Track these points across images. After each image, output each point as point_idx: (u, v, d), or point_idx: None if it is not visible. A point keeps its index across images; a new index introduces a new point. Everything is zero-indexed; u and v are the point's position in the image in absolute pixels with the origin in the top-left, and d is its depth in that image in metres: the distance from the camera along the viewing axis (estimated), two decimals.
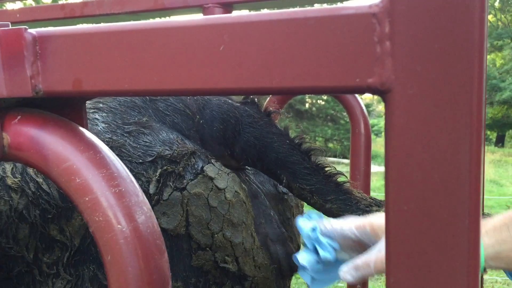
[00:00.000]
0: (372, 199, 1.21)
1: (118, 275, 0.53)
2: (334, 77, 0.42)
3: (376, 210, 1.16)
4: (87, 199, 0.54)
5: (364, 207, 1.17)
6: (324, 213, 1.21)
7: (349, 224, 1.05)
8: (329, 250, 1.03)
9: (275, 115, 1.32)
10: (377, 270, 0.98)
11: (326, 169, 1.23)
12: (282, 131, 1.25)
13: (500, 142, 25.99)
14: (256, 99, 1.31)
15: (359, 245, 1.05)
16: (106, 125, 1.07)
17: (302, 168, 1.21)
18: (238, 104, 1.28)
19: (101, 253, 0.54)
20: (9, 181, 0.96)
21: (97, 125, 1.06)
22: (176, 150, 1.08)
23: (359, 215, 1.16)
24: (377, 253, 0.98)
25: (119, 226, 0.54)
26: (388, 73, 0.41)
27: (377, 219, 1.02)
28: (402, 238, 0.42)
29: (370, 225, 1.03)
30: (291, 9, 0.44)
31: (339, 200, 1.19)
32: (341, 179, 1.24)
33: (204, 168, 1.10)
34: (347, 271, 1.03)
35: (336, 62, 0.42)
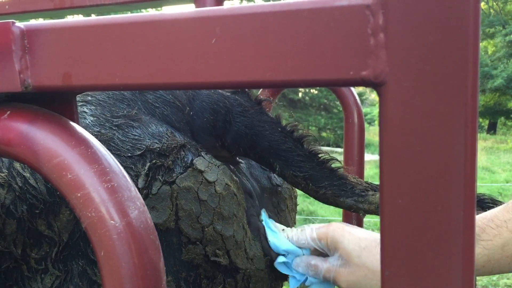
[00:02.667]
0: (367, 183, 1.21)
1: (111, 271, 0.53)
2: (327, 70, 0.42)
3: (372, 195, 1.16)
4: (79, 194, 0.54)
5: (359, 192, 1.17)
6: (319, 199, 1.22)
7: (307, 234, 1.08)
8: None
9: (266, 103, 1.31)
10: (324, 278, 1.04)
11: (320, 155, 1.22)
12: (273, 119, 1.24)
13: (492, 129, 26.17)
14: (246, 88, 1.30)
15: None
16: (95, 119, 1.05)
17: (295, 155, 1.20)
18: (228, 94, 1.27)
19: (94, 249, 0.54)
20: None
21: (85, 118, 1.04)
22: (165, 143, 1.07)
23: (354, 200, 1.16)
24: (328, 264, 1.03)
25: (112, 221, 0.53)
26: (382, 65, 0.40)
27: (335, 234, 1.06)
28: (397, 231, 0.42)
29: (326, 238, 1.07)
30: (284, 1, 0.44)
31: (333, 186, 1.18)
32: (335, 165, 1.23)
33: (194, 161, 1.09)
34: (299, 264, 1.09)
35: (329, 55, 0.42)
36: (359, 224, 1.84)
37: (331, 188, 1.18)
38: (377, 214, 1.16)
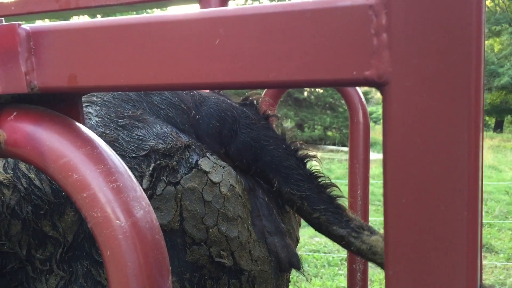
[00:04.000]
0: (365, 223, 1.17)
1: (117, 271, 0.53)
2: (330, 70, 0.42)
3: (367, 235, 1.12)
4: (85, 195, 0.54)
5: (355, 227, 1.13)
6: (311, 224, 1.19)
7: None
8: None
9: (273, 118, 1.31)
10: None
11: (320, 179, 1.21)
12: (278, 136, 1.24)
13: (498, 127, 26.01)
14: (255, 101, 1.30)
15: None
16: (100, 119, 1.06)
17: (296, 173, 1.19)
18: (236, 105, 1.27)
19: (100, 249, 0.54)
20: (1, 177, 0.95)
21: (90, 119, 1.05)
22: (170, 143, 1.07)
23: (347, 232, 1.13)
24: None
25: (117, 221, 0.53)
26: (385, 65, 0.40)
27: None
28: (401, 230, 0.42)
29: None
30: (287, 2, 0.44)
31: (329, 212, 1.17)
32: (335, 192, 1.21)
33: (199, 162, 1.09)
34: None
35: (332, 55, 0.42)
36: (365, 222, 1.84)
37: (326, 213, 1.16)
38: (367, 259, 1.12)
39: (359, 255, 1.14)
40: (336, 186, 1.23)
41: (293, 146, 1.24)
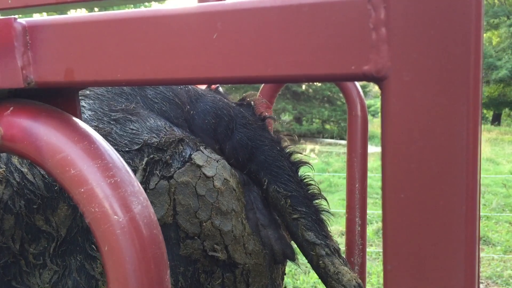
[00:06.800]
0: (338, 250, 1.17)
1: (115, 266, 0.53)
2: (328, 64, 0.42)
3: (340, 262, 1.12)
4: (82, 190, 0.54)
5: (331, 246, 1.14)
6: (287, 225, 1.19)
7: None
8: None
9: (269, 120, 1.32)
10: None
11: (310, 187, 1.22)
12: (274, 138, 1.25)
13: (496, 120, 26.05)
14: (252, 102, 1.30)
15: None
16: (93, 113, 1.06)
17: (286, 174, 1.20)
18: (234, 104, 1.27)
19: (98, 244, 0.54)
20: None
21: (83, 112, 1.05)
22: (163, 137, 1.07)
23: (322, 244, 1.13)
24: None
25: (115, 216, 0.53)
26: (384, 60, 0.40)
27: None
28: (399, 225, 0.42)
29: None
30: None
31: (310, 218, 1.17)
32: (322, 206, 1.21)
33: (192, 155, 1.09)
34: None
35: (330, 49, 0.42)
36: (363, 216, 1.84)
37: (306, 218, 1.16)
38: (326, 281, 1.11)
39: (322, 274, 1.13)
40: (325, 199, 1.22)
41: (287, 150, 1.24)
